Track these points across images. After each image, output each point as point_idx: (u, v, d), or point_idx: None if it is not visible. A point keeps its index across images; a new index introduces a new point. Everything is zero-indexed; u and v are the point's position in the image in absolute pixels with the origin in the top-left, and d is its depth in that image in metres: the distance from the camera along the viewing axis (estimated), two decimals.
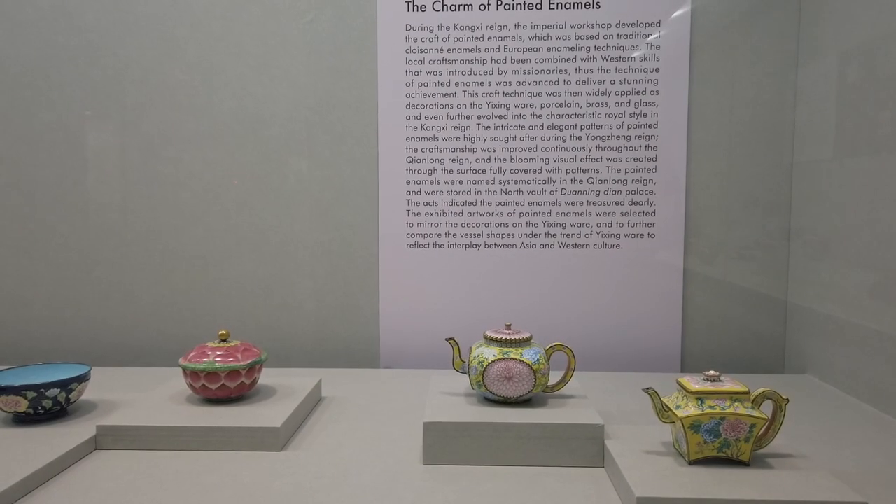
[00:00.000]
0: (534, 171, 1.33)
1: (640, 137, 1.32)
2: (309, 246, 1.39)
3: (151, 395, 1.04)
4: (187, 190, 1.38)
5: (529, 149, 1.33)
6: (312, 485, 0.81)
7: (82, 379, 0.99)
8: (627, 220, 1.33)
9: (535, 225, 1.34)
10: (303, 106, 1.36)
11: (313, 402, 1.09)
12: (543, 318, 1.35)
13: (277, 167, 1.37)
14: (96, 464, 0.87)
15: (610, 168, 1.32)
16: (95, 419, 0.96)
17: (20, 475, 0.78)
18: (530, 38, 1.31)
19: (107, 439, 0.91)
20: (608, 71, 1.31)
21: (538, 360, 0.93)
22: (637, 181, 1.32)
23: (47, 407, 0.95)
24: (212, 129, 1.37)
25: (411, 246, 1.36)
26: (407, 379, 1.25)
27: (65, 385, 0.96)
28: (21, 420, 0.96)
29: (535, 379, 0.92)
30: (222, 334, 1.04)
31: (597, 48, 1.31)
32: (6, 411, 0.94)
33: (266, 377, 1.13)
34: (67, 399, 0.97)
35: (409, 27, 1.32)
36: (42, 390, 0.94)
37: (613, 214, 1.33)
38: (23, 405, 0.93)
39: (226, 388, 0.99)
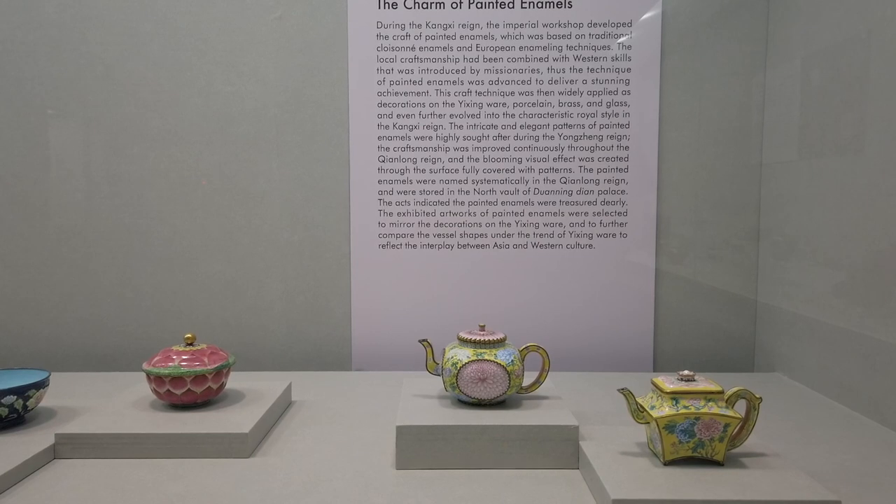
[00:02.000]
0: (507, 170, 1.32)
1: (612, 137, 1.32)
2: (279, 246, 1.36)
3: (114, 402, 1.00)
4: (153, 189, 1.35)
5: (502, 148, 1.32)
6: (282, 492, 0.79)
7: (40, 385, 0.95)
8: (600, 220, 1.33)
9: (509, 225, 1.33)
10: (272, 104, 1.33)
11: (283, 406, 1.07)
12: (517, 319, 1.34)
13: (246, 166, 1.34)
14: (55, 473, 0.83)
15: (582, 168, 1.32)
16: (54, 427, 0.92)
17: None
18: (502, 37, 1.31)
19: (66, 448, 0.88)
20: (580, 70, 1.31)
21: (512, 361, 0.92)
22: (609, 181, 1.32)
23: (3, 415, 0.91)
24: (178, 127, 1.34)
25: (383, 246, 1.34)
26: (379, 381, 1.24)
27: (21, 392, 0.92)
28: None
29: (510, 380, 0.91)
30: (188, 338, 1.01)
31: (569, 48, 1.31)
32: None
33: (234, 381, 1.10)
34: (24, 406, 0.93)
35: (380, 24, 1.31)
36: None
37: (586, 214, 1.33)
38: None
39: (192, 394, 0.96)
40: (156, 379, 0.96)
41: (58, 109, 1.33)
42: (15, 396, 0.91)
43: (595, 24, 1.30)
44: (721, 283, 1.35)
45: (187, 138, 1.34)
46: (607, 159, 1.32)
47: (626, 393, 0.81)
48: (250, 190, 1.35)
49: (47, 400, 1.04)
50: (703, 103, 1.33)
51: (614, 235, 1.33)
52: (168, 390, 0.95)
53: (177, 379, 0.95)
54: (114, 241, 1.35)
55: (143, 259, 1.36)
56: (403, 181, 1.33)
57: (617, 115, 1.31)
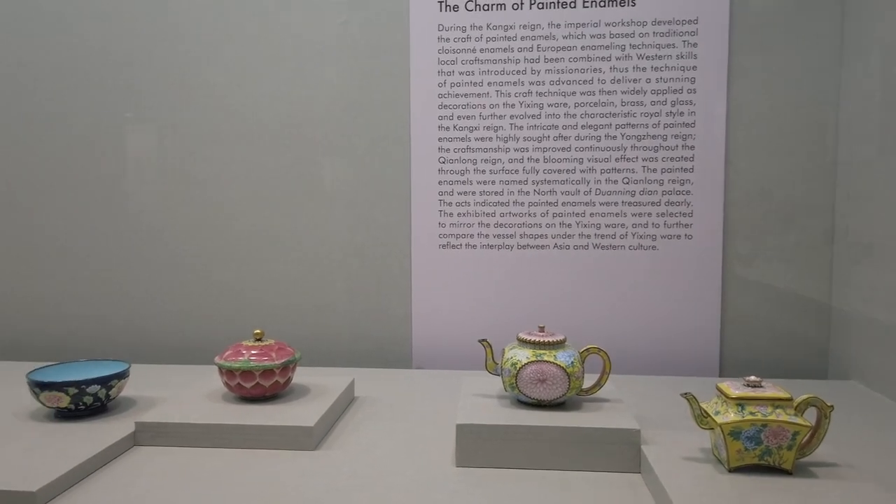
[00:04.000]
0: (567, 171, 1.32)
1: (676, 137, 1.29)
2: (343, 246, 1.39)
3: (188, 393, 1.05)
4: (223, 192, 1.40)
5: (563, 149, 1.31)
6: (346, 484, 0.81)
7: (122, 376, 1.01)
8: (664, 221, 1.31)
9: (569, 226, 1.32)
10: (336, 108, 1.37)
11: (346, 401, 1.10)
12: (578, 321, 1.33)
13: (313, 169, 1.38)
14: (135, 459, 0.88)
15: (646, 168, 1.30)
16: (134, 415, 0.98)
17: (62, 470, 0.79)
18: (564, 37, 1.30)
19: (145, 435, 0.93)
20: (644, 69, 1.29)
21: (572, 362, 0.92)
22: (674, 181, 1.30)
23: (88, 403, 0.97)
24: (248, 131, 1.39)
25: (443, 247, 1.36)
26: (439, 380, 1.25)
27: (105, 382, 0.98)
28: (63, 415, 0.99)
29: (570, 382, 0.91)
30: (257, 333, 1.05)
31: (632, 46, 1.29)
32: (49, 406, 0.97)
33: (299, 376, 1.14)
34: (107, 395, 0.99)
35: (441, 28, 1.32)
36: (83, 386, 0.96)
37: (649, 215, 1.31)
38: (64, 401, 0.96)
39: (260, 387, 1.00)
40: (227, 372, 1.00)
41: (136, 115, 1.40)
42: (99, 386, 0.97)
43: (659, 23, 1.28)
44: (793, 287, 1.31)
45: (257, 142, 1.39)
46: (672, 159, 1.30)
47: (690, 397, 0.80)
48: (316, 192, 1.39)
49: (128, 390, 1.10)
50: (773, 101, 1.28)
51: (679, 237, 1.30)
52: (238, 383, 0.99)
53: (246, 373, 0.99)
54: (189, 240, 1.42)
55: (216, 257, 1.41)
56: (463, 182, 1.34)
57: (682, 114, 1.29)
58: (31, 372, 1.00)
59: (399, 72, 1.35)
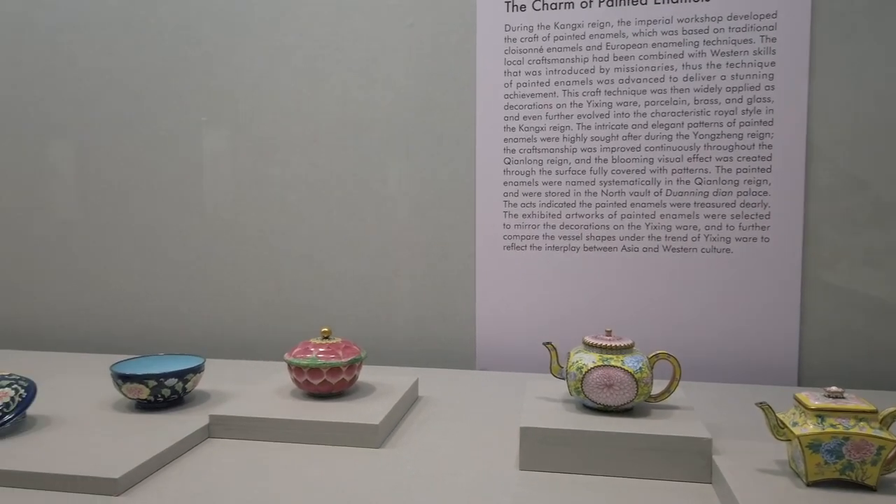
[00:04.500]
0: (637, 171, 1.29)
1: (753, 136, 1.24)
2: (408, 246, 1.41)
3: (259, 388, 1.09)
4: (294, 192, 1.44)
5: (632, 148, 1.29)
6: (410, 483, 0.82)
7: (197, 370, 1.05)
8: (739, 223, 1.26)
9: (638, 227, 1.29)
10: (403, 109, 1.38)
11: (410, 400, 1.11)
12: (646, 325, 1.30)
13: (378, 169, 1.40)
14: (209, 451, 0.92)
15: (720, 168, 1.26)
16: (208, 409, 1.01)
17: (142, 458, 0.83)
18: (634, 35, 1.27)
19: (218, 428, 0.96)
20: (718, 66, 1.24)
21: (640, 368, 0.89)
22: (750, 182, 1.25)
23: (166, 395, 1.02)
24: (317, 133, 1.42)
25: (508, 248, 1.35)
26: (503, 382, 1.25)
27: (181, 375, 1.02)
28: (143, 406, 1.03)
29: (638, 388, 0.88)
30: (324, 331, 1.07)
31: (706, 42, 1.25)
32: (130, 398, 1.02)
33: (365, 374, 1.15)
34: (184, 388, 1.03)
35: (508, 28, 1.32)
36: (162, 380, 1.00)
37: (723, 217, 1.26)
38: (144, 393, 1.00)
39: (327, 384, 1.02)
40: (296, 369, 1.02)
41: (211, 117, 1.46)
42: (176, 379, 1.02)
43: (735, 17, 1.24)
44: (880, 292, 1.23)
45: (325, 143, 1.42)
46: (748, 159, 1.25)
47: (766, 407, 0.77)
48: (382, 192, 1.41)
49: (202, 384, 1.15)
50: (859, 97, 1.22)
51: (755, 239, 1.25)
52: (306, 380, 1.02)
53: (314, 370, 1.01)
54: (259, 239, 1.46)
55: (284, 256, 1.45)
56: (529, 183, 1.33)
57: (759, 111, 1.24)
58: (114, 364, 1.05)
59: (465, 73, 1.35)
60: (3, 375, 0.97)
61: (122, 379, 1.00)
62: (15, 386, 0.95)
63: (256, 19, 1.42)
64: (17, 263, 1.56)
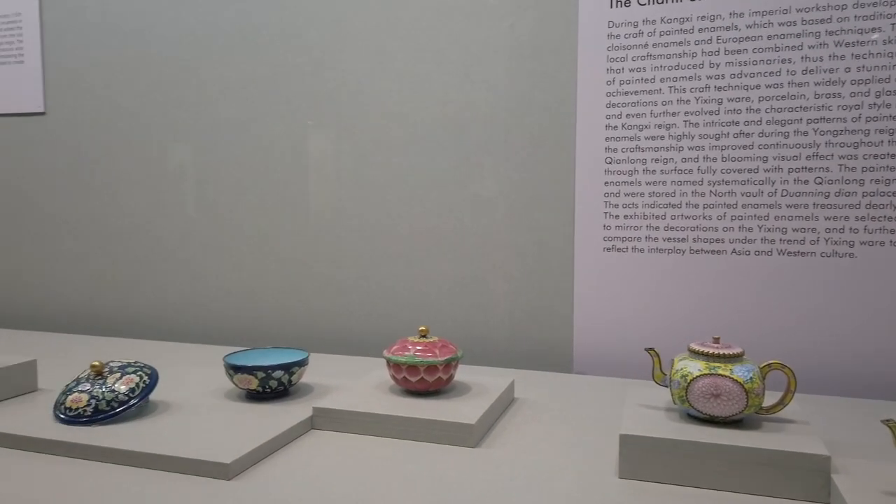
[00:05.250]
0: (749, 170, 1.22)
1: (881, 131, 1.15)
2: (504, 247, 1.40)
3: (359, 383, 1.12)
4: (393, 192, 1.47)
5: (744, 146, 1.22)
6: (505, 484, 0.81)
7: (302, 363, 1.09)
8: (864, 226, 1.16)
9: (750, 229, 1.23)
10: (501, 109, 1.38)
11: (506, 402, 1.10)
12: (757, 333, 1.23)
13: (476, 170, 1.41)
14: (312, 442, 0.95)
15: (843, 167, 1.17)
16: (312, 401, 1.05)
17: (251, 446, 0.88)
18: (748, 27, 1.21)
19: (321, 420, 1.00)
20: (842, 58, 1.16)
21: (751, 378, 0.85)
22: (877, 181, 1.15)
23: (273, 387, 1.06)
24: (416, 135, 1.44)
25: (608, 249, 1.32)
26: (602, 387, 1.22)
27: (287, 368, 1.07)
28: (251, 396, 1.09)
29: (748, 398, 0.84)
30: (422, 330, 1.08)
31: (828, 33, 1.16)
32: (240, 388, 1.07)
33: (460, 374, 1.16)
34: (289, 381, 1.08)
35: (611, 24, 1.28)
36: (269, 371, 1.05)
37: (846, 219, 1.17)
38: (253, 383, 1.05)
39: (424, 382, 1.03)
40: (394, 366, 1.04)
41: (317, 121, 1.52)
42: (282, 372, 1.06)
43: (862, 5, 1.15)
44: None
45: (424, 145, 1.44)
46: (875, 156, 1.15)
47: (892, 425, 0.71)
48: (480, 193, 1.41)
49: (306, 376, 1.19)
50: None
51: (882, 243, 1.16)
52: (404, 377, 1.04)
53: (412, 367, 1.03)
54: (360, 238, 1.51)
55: (384, 255, 1.49)
56: (631, 183, 1.29)
57: (889, 105, 1.14)
58: (227, 356, 1.11)
59: (565, 71, 1.33)
60: (129, 363, 1.05)
61: (234, 369, 1.06)
62: (140, 373, 1.02)
63: (360, 26, 1.46)
64: (141, 260, 1.69)
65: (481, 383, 1.12)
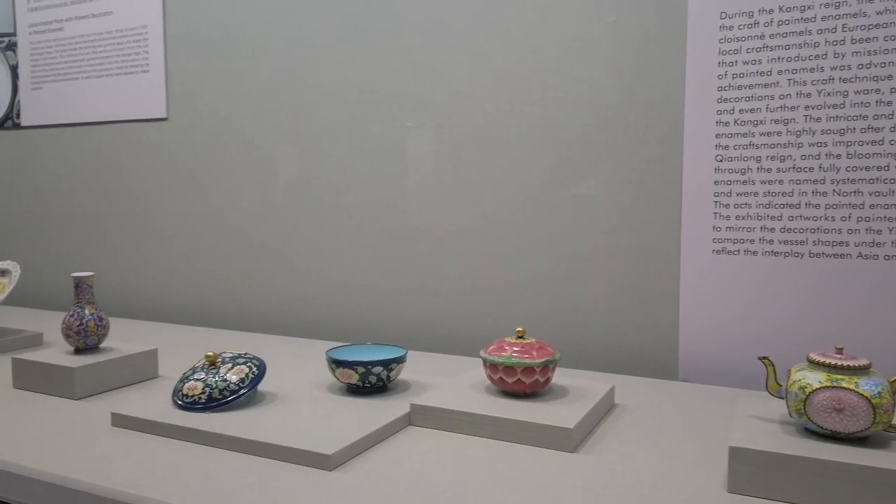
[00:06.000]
0: (879, 168, 1.12)
1: None
2: (605, 248, 1.37)
3: (456, 381, 1.12)
4: (490, 192, 1.47)
5: (873, 142, 1.12)
6: (604, 492, 0.79)
7: (400, 360, 1.11)
8: None
9: (879, 232, 1.13)
10: (603, 107, 1.34)
11: (605, 407, 1.07)
12: (885, 344, 1.13)
13: (576, 170, 1.38)
14: (409, 438, 0.96)
15: None
16: (409, 397, 1.07)
17: (352, 439, 0.90)
18: (878, 13, 1.11)
19: (418, 417, 1.01)
20: None
21: (879, 392, 0.78)
22: None
23: (372, 382, 1.09)
24: (514, 134, 1.43)
25: (718, 252, 1.25)
26: (708, 395, 1.16)
27: (386, 364, 1.09)
28: (352, 390, 1.11)
29: (875, 415, 0.77)
30: (519, 331, 1.07)
31: None
32: (341, 382, 1.10)
33: (558, 377, 1.14)
34: (388, 377, 1.10)
35: (724, 15, 1.22)
36: (369, 367, 1.07)
37: None
38: (354, 378, 1.08)
39: (521, 384, 1.02)
40: (490, 366, 1.04)
41: (416, 122, 1.54)
42: (382, 367, 1.08)
43: None
44: None
45: (522, 144, 1.42)
46: None
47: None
48: (579, 192, 1.38)
49: (404, 373, 1.21)
50: None
51: None
52: (500, 378, 1.03)
53: (508, 368, 1.02)
54: (457, 238, 1.51)
55: (481, 255, 1.49)
56: (744, 182, 1.22)
57: None
58: (329, 350, 1.15)
59: (673, 66, 1.28)
60: (240, 354, 1.10)
61: (336, 364, 1.09)
62: (249, 364, 1.07)
63: (459, 28, 1.47)
64: (249, 257, 1.77)
65: (579, 387, 1.09)
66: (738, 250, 1.23)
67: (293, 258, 1.72)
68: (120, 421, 1.00)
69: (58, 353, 1.22)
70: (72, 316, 1.20)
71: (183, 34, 1.81)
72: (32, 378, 1.18)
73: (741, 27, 1.21)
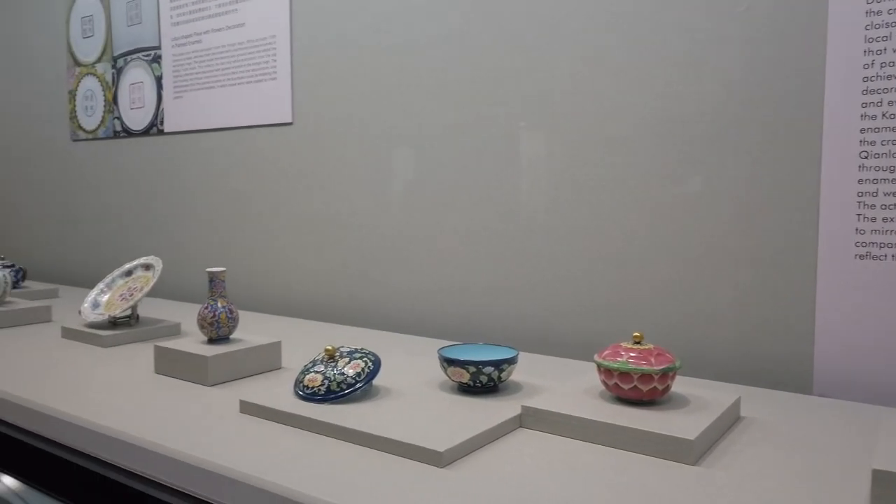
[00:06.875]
0: None
1: None
2: (731, 251, 1.29)
3: (568, 385, 1.10)
4: (606, 192, 1.42)
5: None
6: None
7: (512, 361, 1.10)
8: None
9: None
10: (731, 102, 1.27)
11: (730, 420, 1.01)
12: None
13: (699, 168, 1.31)
14: (520, 440, 0.95)
15: None
16: (520, 399, 1.05)
17: (463, 437, 0.90)
18: None
19: (529, 419, 1.00)
20: None
21: None
22: None
23: (483, 381, 1.09)
24: (633, 131, 1.38)
25: (861, 256, 1.14)
26: (847, 412, 1.06)
27: (497, 365, 1.08)
28: (463, 389, 1.12)
29: None
30: (636, 336, 1.03)
31: None
32: (453, 380, 1.11)
33: (678, 385, 1.09)
34: (499, 377, 1.09)
35: None
36: (480, 367, 1.07)
37: None
38: (465, 377, 1.09)
39: (637, 391, 0.98)
40: (605, 371, 1.01)
41: (529, 122, 1.52)
42: (493, 368, 1.08)
43: None
44: None
45: (640, 142, 1.37)
46: None
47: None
48: (704, 192, 1.31)
49: (515, 375, 1.20)
50: None
51: None
52: (616, 384, 1.00)
53: (624, 374, 0.98)
54: (571, 239, 1.48)
55: (596, 256, 1.45)
56: (893, 181, 1.11)
57: None
58: (441, 348, 1.16)
59: (810, 57, 1.18)
60: (356, 349, 1.14)
61: (448, 362, 1.10)
62: (365, 358, 1.10)
63: (575, 23, 1.44)
64: (367, 256, 1.83)
65: (701, 397, 1.04)
66: (886, 255, 1.12)
67: (408, 257, 1.75)
68: (247, 408, 1.06)
69: (194, 342, 1.31)
70: (206, 308, 1.29)
71: (307, 41, 1.89)
72: (171, 365, 1.28)
73: (891, 11, 1.10)
